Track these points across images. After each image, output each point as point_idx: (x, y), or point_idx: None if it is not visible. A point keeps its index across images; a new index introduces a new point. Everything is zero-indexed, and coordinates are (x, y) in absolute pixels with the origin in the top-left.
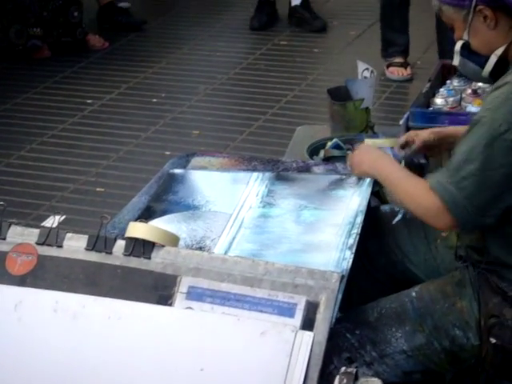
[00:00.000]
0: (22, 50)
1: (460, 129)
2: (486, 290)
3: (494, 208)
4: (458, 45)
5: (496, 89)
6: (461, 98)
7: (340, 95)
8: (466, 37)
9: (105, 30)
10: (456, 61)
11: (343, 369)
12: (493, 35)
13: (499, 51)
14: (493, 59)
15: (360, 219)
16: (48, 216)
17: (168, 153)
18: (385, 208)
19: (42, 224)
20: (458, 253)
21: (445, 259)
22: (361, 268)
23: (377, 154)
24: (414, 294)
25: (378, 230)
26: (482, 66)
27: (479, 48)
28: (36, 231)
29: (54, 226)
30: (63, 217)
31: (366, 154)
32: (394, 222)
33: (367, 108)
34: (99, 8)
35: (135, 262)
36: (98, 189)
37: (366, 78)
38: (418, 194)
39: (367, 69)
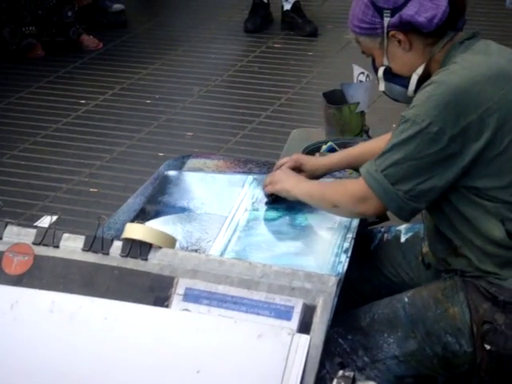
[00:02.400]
0: (15, 50)
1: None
2: (475, 295)
3: (425, 195)
4: (381, 71)
5: (422, 88)
6: None
7: (335, 99)
8: (386, 62)
9: (99, 31)
10: (381, 86)
11: (341, 372)
12: (410, 57)
13: (419, 70)
14: (414, 78)
15: (355, 223)
16: (41, 216)
17: (162, 154)
18: (359, 234)
19: (35, 224)
20: (437, 268)
21: (429, 275)
22: (347, 298)
23: (301, 177)
24: (406, 299)
25: (356, 257)
26: (407, 87)
27: (400, 70)
28: (33, 231)
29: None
30: (56, 217)
31: (289, 173)
32: (371, 247)
33: (362, 112)
34: (77, 9)
35: (132, 263)
36: (91, 189)
37: (361, 81)
38: (346, 187)
39: (363, 73)
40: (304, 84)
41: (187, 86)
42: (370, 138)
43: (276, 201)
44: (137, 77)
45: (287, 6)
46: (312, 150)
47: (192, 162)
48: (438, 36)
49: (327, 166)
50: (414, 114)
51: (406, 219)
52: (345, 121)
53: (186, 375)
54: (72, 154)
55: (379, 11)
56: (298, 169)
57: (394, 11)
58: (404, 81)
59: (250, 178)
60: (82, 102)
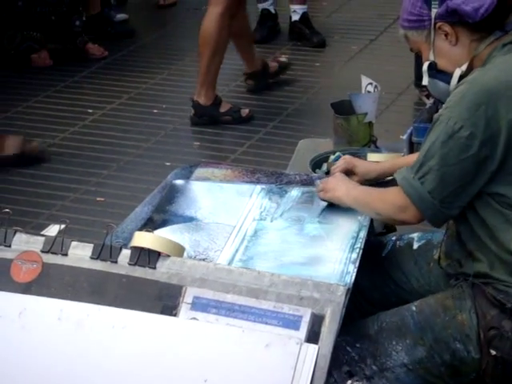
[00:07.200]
0: (14, 55)
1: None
2: (483, 302)
3: (458, 200)
4: (425, 65)
5: (456, 87)
6: None
7: (343, 109)
8: (431, 57)
9: (106, 40)
10: (425, 80)
11: (349, 382)
12: (456, 51)
13: (464, 66)
14: (457, 72)
15: (363, 234)
16: (48, 225)
17: (168, 164)
18: (372, 241)
19: (42, 232)
20: (447, 271)
21: (439, 282)
22: (356, 306)
23: (353, 183)
24: (414, 308)
25: (368, 264)
26: (450, 83)
27: (446, 66)
28: (41, 239)
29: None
30: (64, 225)
31: (341, 181)
32: (383, 254)
33: (370, 122)
34: (86, 19)
35: (140, 272)
36: (98, 198)
37: (369, 92)
38: (387, 195)
39: (371, 83)
40: (311, 95)
41: (194, 95)
42: (377, 148)
43: (331, 205)
44: (144, 86)
45: (295, 17)
46: (319, 161)
47: (200, 172)
48: (485, 32)
49: (378, 171)
50: (446, 116)
51: (439, 226)
52: (352, 131)
53: None
54: (79, 163)
55: (427, 2)
56: (350, 171)
57: (442, 2)
58: (448, 77)
59: (258, 187)
60: (90, 111)
